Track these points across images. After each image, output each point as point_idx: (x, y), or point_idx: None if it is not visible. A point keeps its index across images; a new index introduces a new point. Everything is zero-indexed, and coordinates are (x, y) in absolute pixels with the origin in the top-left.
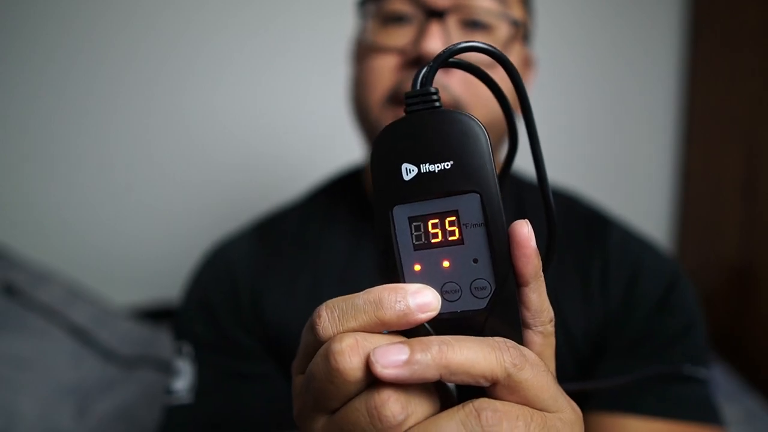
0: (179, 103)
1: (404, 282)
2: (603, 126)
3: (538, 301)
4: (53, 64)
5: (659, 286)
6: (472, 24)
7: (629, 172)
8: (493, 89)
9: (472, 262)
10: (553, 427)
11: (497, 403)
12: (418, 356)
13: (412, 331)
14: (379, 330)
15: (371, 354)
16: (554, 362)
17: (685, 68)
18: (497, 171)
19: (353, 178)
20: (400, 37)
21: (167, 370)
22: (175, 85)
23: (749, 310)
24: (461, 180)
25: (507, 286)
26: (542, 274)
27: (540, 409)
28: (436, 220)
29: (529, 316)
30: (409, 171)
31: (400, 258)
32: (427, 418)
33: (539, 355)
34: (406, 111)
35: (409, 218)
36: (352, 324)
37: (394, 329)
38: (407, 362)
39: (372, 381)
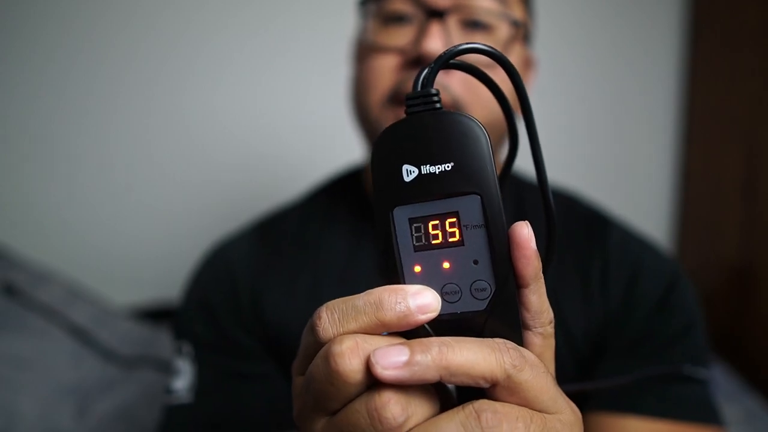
0: (179, 103)
1: (404, 283)
2: (603, 126)
3: (538, 302)
4: (53, 64)
5: (659, 286)
6: (473, 24)
7: (629, 172)
8: (494, 90)
9: (473, 264)
10: (552, 428)
11: (497, 405)
12: (418, 357)
13: (412, 333)
14: (380, 331)
15: (371, 355)
16: (554, 363)
17: (685, 68)
18: (497, 172)
19: (353, 178)
20: (401, 36)
21: (167, 370)
22: (175, 85)
23: (749, 310)
24: (462, 181)
25: (507, 288)
26: (542, 275)
27: (539, 411)
28: (437, 222)
29: (529, 318)
30: (409, 172)
31: (400, 259)
32: (427, 419)
33: (539, 356)
34: (406, 112)
35: (410, 219)
36: (353, 325)
37: (395, 330)
38: (407, 363)
39: (372, 382)
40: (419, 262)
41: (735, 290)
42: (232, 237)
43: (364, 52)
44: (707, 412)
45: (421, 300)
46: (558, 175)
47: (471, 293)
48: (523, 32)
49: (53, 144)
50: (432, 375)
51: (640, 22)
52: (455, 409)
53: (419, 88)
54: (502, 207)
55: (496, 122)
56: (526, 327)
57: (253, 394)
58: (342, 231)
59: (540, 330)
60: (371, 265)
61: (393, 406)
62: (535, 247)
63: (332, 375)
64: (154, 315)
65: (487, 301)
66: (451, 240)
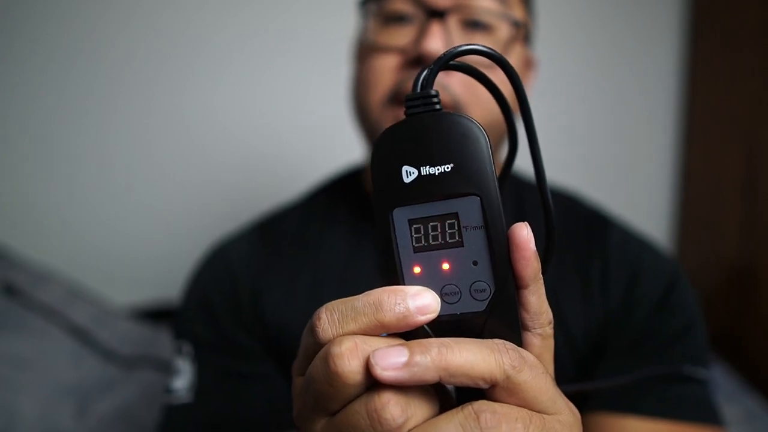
0: (179, 103)
1: (404, 284)
2: (603, 126)
3: (537, 303)
4: (53, 64)
5: (659, 286)
6: (473, 24)
7: (629, 172)
8: (493, 92)
9: (472, 265)
10: (551, 429)
11: (496, 405)
12: (418, 358)
13: (412, 334)
14: (379, 332)
15: (371, 356)
16: (553, 364)
17: (685, 68)
18: (497, 173)
19: (353, 178)
20: (401, 36)
21: (167, 370)
22: (175, 85)
23: (749, 310)
24: (461, 183)
25: (506, 289)
26: (541, 276)
27: (538, 411)
28: (436, 223)
29: (528, 319)
30: (409, 173)
31: (399, 260)
32: (426, 420)
33: (538, 357)
34: (406, 113)
35: (409, 221)
36: (352, 326)
37: (394, 332)
38: (406, 364)
39: (371, 383)
40: (419, 263)
41: (735, 290)
42: (232, 237)
43: (365, 51)
44: (707, 412)
45: (420, 301)
46: (558, 175)
47: (470, 294)
48: (523, 32)
49: (53, 144)
50: (431, 376)
51: (640, 22)
52: (454, 410)
53: (419, 89)
54: (501, 208)
55: (496, 123)
56: (526, 328)
57: (253, 394)
58: (342, 231)
59: (539, 331)
60: (371, 265)
61: (393, 407)
62: (535, 249)
63: (331, 376)
64: (154, 315)
65: (487, 302)
66: (450, 241)
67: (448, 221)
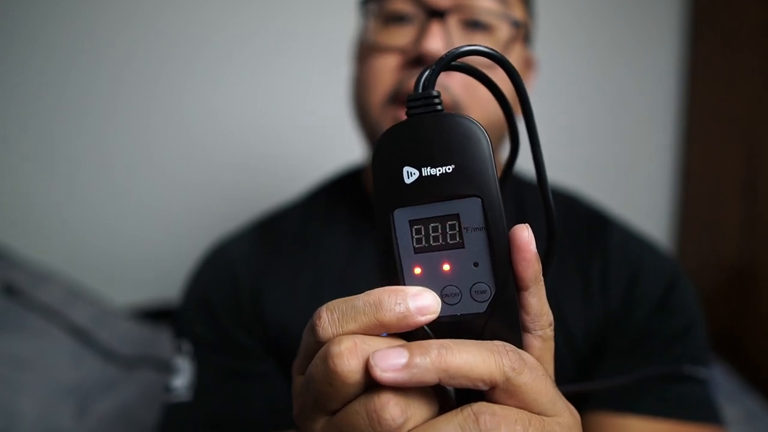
0: (179, 103)
1: (404, 285)
2: (603, 126)
3: (537, 305)
4: (53, 64)
5: (659, 286)
6: (473, 24)
7: (629, 172)
8: (494, 91)
9: (473, 266)
10: (551, 431)
11: (495, 407)
12: (417, 360)
13: (412, 334)
14: (379, 332)
15: (370, 357)
16: (553, 366)
17: (685, 68)
18: (498, 174)
19: (353, 178)
20: (401, 36)
21: (167, 370)
22: (175, 85)
23: (749, 310)
24: (462, 184)
25: (507, 290)
26: (542, 278)
27: (538, 413)
28: (437, 224)
29: (528, 320)
30: (410, 174)
31: (400, 261)
32: (425, 421)
33: (538, 359)
34: (407, 114)
35: (410, 221)
36: (352, 326)
37: (394, 332)
38: (406, 366)
39: (371, 383)
40: (419, 264)
41: (735, 290)
42: (232, 236)
43: (365, 51)
44: (707, 412)
45: (420, 301)
46: (558, 175)
47: (471, 295)
48: (523, 33)
49: (53, 144)
50: (431, 377)
51: (640, 22)
52: (454, 411)
53: (420, 90)
54: (502, 210)
55: (495, 123)
56: (526, 330)
57: (253, 394)
58: (342, 230)
59: (539, 333)
60: (371, 265)
61: (392, 407)
62: (535, 250)
63: (331, 375)
64: (154, 315)
65: (487, 303)
66: (451, 242)
67: (449, 222)
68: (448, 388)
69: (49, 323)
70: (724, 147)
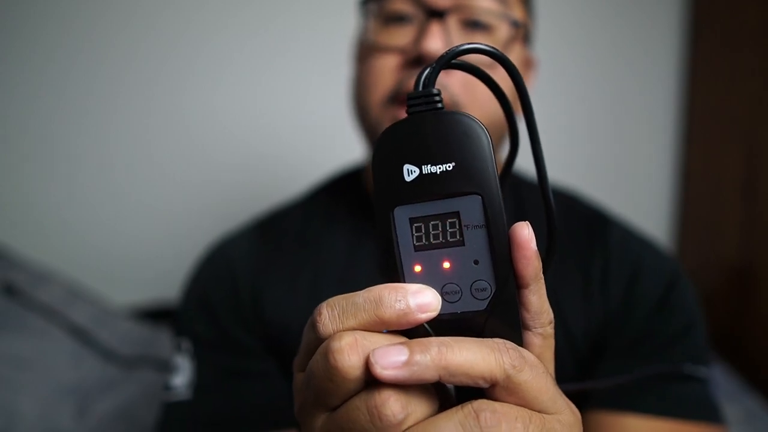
0: (179, 103)
1: (405, 282)
2: (603, 126)
3: (538, 303)
4: (53, 64)
5: (659, 286)
6: (473, 24)
7: (629, 172)
8: (495, 90)
9: (473, 264)
10: (551, 429)
11: (496, 405)
12: (418, 357)
13: (412, 332)
14: (379, 329)
15: (371, 355)
16: (554, 364)
17: (685, 68)
18: (498, 172)
19: (354, 177)
20: (401, 36)
21: (167, 369)
22: (175, 85)
23: (749, 310)
24: (463, 181)
25: (507, 288)
26: (542, 276)
27: (539, 411)
28: (437, 222)
29: (528, 318)
30: (410, 172)
31: (400, 258)
32: (426, 418)
33: (539, 356)
34: (408, 112)
35: (410, 219)
36: (352, 322)
37: (394, 329)
38: (406, 363)
39: (371, 379)
40: (419, 262)
41: (735, 290)
42: (233, 235)
43: (365, 51)
44: (708, 411)
45: (421, 299)
46: (558, 175)
47: (471, 293)
48: (523, 32)
49: (53, 144)
50: (431, 375)
51: (640, 22)
52: (454, 409)
53: (421, 88)
54: (503, 207)
55: (495, 122)
56: (526, 327)
57: (253, 392)
58: (343, 229)
59: (540, 330)
60: (372, 264)
61: (393, 403)
62: (536, 248)
63: (331, 371)
64: (154, 315)
65: (487, 301)
66: (451, 240)
67: (449, 220)
68: (449, 386)
69: (49, 323)
70: (724, 147)
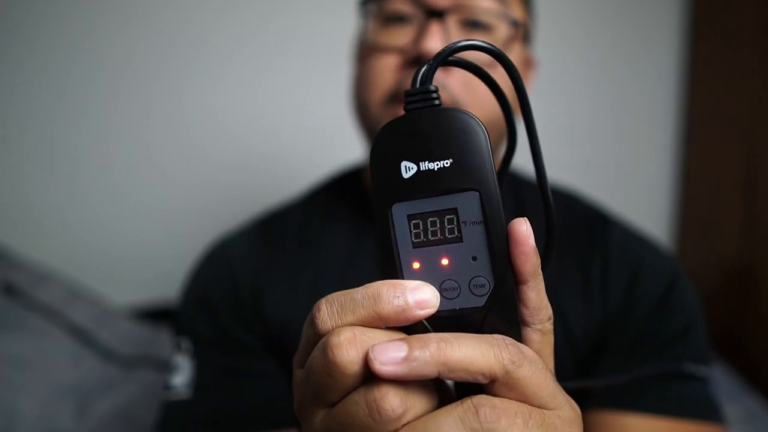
0: (179, 103)
1: (403, 280)
2: (603, 126)
3: (536, 299)
4: (53, 64)
5: (659, 285)
6: (472, 24)
7: (629, 172)
8: (492, 87)
9: (471, 260)
10: (551, 424)
11: (495, 400)
12: (417, 353)
13: (411, 329)
14: (378, 324)
15: (369, 351)
16: (553, 360)
17: (685, 68)
18: (496, 169)
19: (354, 177)
20: (401, 36)
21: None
22: (175, 85)
23: (749, 310)
24: (460, 178)
25: (506, 284)
26: (541, 272)
27: (538, 407)
28: (435, 218)
29: (527, 314)
30: (408, 169)
31: (399, 255)
32: (425, 413)
33: (538, 352)
34: (405, 109)
35: (408, 216)
36: (350, 318)
37: (393, 325)
38: (405, 359)
39: (370, 375)
40: (418, 259)
41: (735, 290)
42: (232, 234)
43: (365, 51)
44: (708, 410)
45: (419, 295)
46: (558, 175)
47: (470, 290)
48: (522, 32)
49: (53, 144)
50: (430, 371)
51: (640, 22)
52: (454, 404)
53: (418, 85)
54: (500, 203)
55: (496, 122)
56: (525, 323)
57: (253, 392)
58: (343, 229)
59: (539, 326)
60: (372, 264)
61: (392, 397)
62: (534, 244)
63: (330, 366)
64: (154, 315)
65: (486, 297)
66: (449, 236)
67: (447, 216)
68: (448, 381)
69: (49, 323)
70: (724, 147)
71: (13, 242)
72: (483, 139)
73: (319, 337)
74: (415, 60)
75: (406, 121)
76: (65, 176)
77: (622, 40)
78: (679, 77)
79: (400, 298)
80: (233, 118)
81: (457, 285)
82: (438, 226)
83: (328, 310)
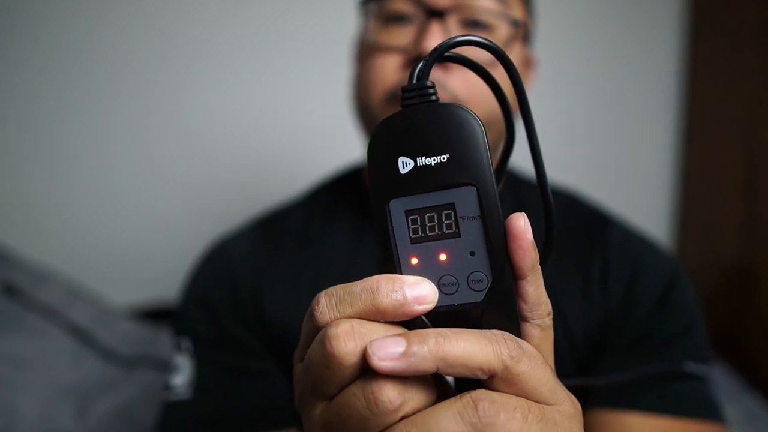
0: (179, 103)
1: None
2: (603, 126)
3: (535, 294)
4: (53, 64)
5: (659, 285)
6: (473, 24)
7: (629, 172)
8: (490, 83)
9: (469, 255)
10: (551, 419)
11: (495, 395)
12: (415, 348)
13: (409, 324)
14: (376, 318)
15: (368, 346)
16: (553, 355)
17: (685, 68)
18: (494, 165)
19: (354, 176)
20: (401, 36)
21: (167, 369)
22: (175, 85)
23: (749, 310)
24: (457, 173)
25: (504, 279)
26: (539, 267)
27: (538, 402)
28: (433, 214)
29: (526, 309)
30: (405, 164)
31: (397, 251)
32: (423, 407)
33: (537, 348)
34: (402, 105)
35: (406, 212)
36: (349, 310)
37: (391, 319)
38: (404, 354)
39: (368, 368)
40: (416, 254)
41: (735, 290)
42: (233, 234)
43: (365, 51)
44: (708, 409)
45: (418, 291)
46: (558, 175)
47: (468, 285)
48: (523, 32)
49: (53, 144)
50: (429, 366)
51: (640, 22)
52: (453, 399)
53: (415, 81)
54: (498, 198)
55: (495, 120)
56: (524, 319)
57: (253, 391)
58: (344, 228)
59: (538, 322)
60: (373, 263)
61: (389, 389)
62: (532, 239)
63: (328, 357)
64: (154, 315)
65: (485, 292)
66: (447, 232)
67: (445, 212)
68: (447, 377)
69: (49, 323)
70: (724, 147)
71: (13, 242)
72: (480, 134)
73: (318, 329)
74: (415, 60)
75: (403, 116)
76: (65, 176)
77: (622, 40)
78: (679, 77)
79: (398, 292)
80: (233, 118)
81: (455, 280)
82: (436, 221)
83: (327, 303)
